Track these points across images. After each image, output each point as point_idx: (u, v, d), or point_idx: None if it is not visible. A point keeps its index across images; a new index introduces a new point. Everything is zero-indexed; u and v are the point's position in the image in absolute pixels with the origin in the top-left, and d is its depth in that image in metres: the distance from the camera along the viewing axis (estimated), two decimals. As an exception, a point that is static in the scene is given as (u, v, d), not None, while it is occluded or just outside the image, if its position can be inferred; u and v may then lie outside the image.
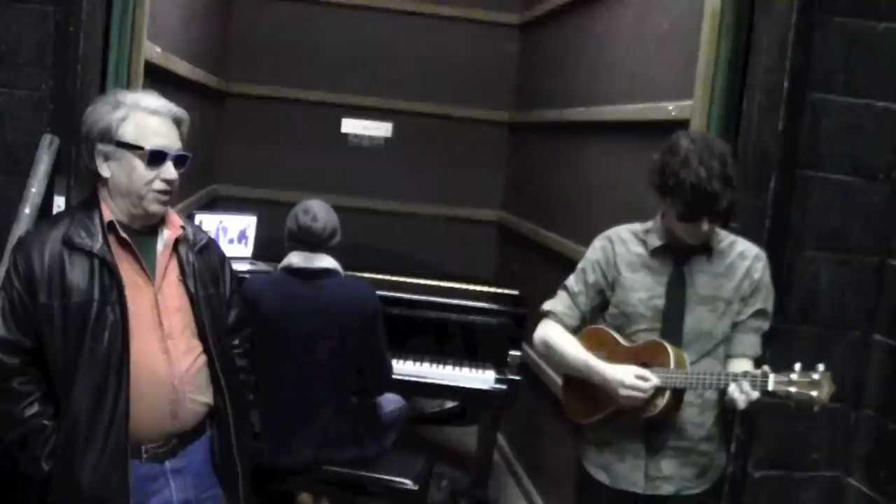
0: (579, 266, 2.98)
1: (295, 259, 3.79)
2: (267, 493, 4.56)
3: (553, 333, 2.95)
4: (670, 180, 2.66)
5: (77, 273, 2.43)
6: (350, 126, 6.36)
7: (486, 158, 6.46)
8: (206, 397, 2.62)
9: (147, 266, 2.54)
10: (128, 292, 2.46)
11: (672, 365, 2.69)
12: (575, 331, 2.95)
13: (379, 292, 3.91)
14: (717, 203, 2.60)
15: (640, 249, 2.86)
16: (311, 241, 3.76)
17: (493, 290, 4.94)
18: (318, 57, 6.25)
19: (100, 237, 2.47)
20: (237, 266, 4.67)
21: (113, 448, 2.43)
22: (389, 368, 4.00)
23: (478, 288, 4.95)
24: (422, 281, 4.96)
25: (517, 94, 6.34)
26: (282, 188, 6.03)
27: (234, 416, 2.66)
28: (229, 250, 4.87)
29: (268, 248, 4.98)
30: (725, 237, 2.85)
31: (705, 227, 2.65)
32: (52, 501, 2.49)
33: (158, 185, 2.50)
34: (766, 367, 2.61)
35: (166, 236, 2.61)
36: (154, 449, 2.54)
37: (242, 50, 6.20)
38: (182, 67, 4.26)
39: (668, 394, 2.70)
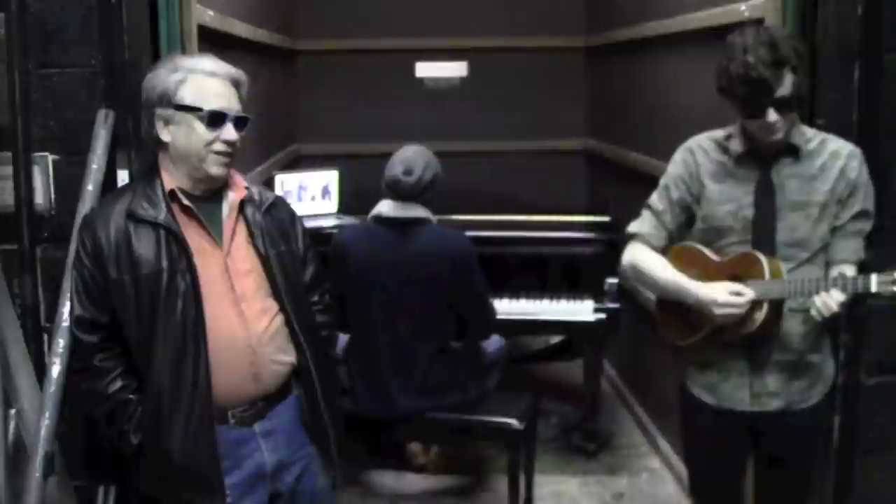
0: (662, 182, 2.84)
1: (384, 208, 3.74)
2: (376, 445, 4.61)
3: (641, 256, 2.83)
4: (723, 79, 2.53)
5: (144, 245, 2.41)
6: (424, 70, 6.30)
7: (565, 86, 6.33)
8: (288, 356, 2.58)
9: (213, 231, 2.50)
10: (196, 259, 2.43)
11: (767, 275, 2.55)
12: (663, 250, 2.82)
13: (469, 233, 3.84)
14: (773, 89, 2.45)
15: (722, 158, 2.71)
16: (404, 193, 3.70)
17: (583, 218, 4.83)
18: (385, 3, 6.19)
19: (163, 207, 2.44)
20: (324, 222, 4.73)
21: (199, 416, 2.42)
22: (492, 312, 3.95)
23: (568, 218, 4.85)
24: (510, 217, 4.88)
25: (589, 17, 6.19)
26: (363, 140, 6.02)
27: (318, 374, 2.62)
28: (313, 207, 4.92)
29: (354, 201, 4.96)
30: (815, 136, 2.67)
31: (773, 118, 2.49)
32: (146, 473, 2.51)
33: (219, 146, 2.45)
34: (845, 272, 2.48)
35: (231, 199, 2.56)
36: (240, 413, 2.52)
37: (308, 6, 6.18)
38: (242, 29, 4.22)
39: (766, 306, 2.56)
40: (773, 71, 2.44)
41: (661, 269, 2.77)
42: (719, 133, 2.75)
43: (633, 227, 2.88)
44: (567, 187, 6.20)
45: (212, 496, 2.47)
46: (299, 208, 4.76)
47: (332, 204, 5.07)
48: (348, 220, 4.78)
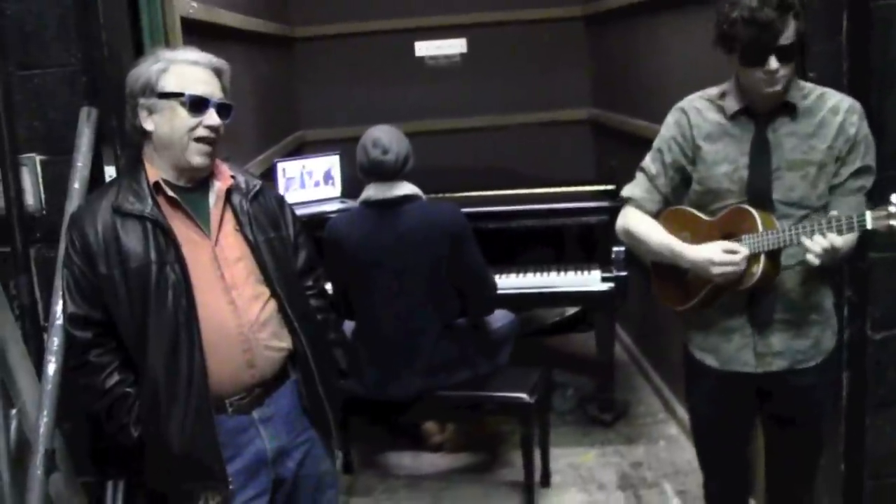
0: (655, 145, 2.80)
1: (372, 192, 3.73)
2: (391, 427, 4.63)
3: (634, 221, 2.80)
4: (725, 25, 2.47)
5: (131, 239, 2.41)
6: (423, 48, 6.28)
7: (566, 56, 6.30)
8: (283, 342, 2.58)
9: (201, 221, 2.50)
10: (185, 250, 2.43)
11: (760, 228, 2.51)
12: (658, 215, 2.79)
13: (473, 209, 3.83)
14: (779, 34, 2.41)
15: (717, 117, 2.66)
16: (386, 173, 3.69)
17: (588, 188, 4.81)
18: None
19: (149, 199, 2.44)
20: (327, 207, 4.72)
21: (196, 406, 2.42)
22: (492, 286, 3.91)
23: (572, 189, 4.84)
24: (514, 191, 4.89)
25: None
26: (366, 123, 5.94)
27: (314, 357, 2.61)
28: (317, 193, 4.91)
29: (358, 185, 4.96)
30: (812, 91, 2.62)
31: (774, 65, 2.43)
32: (147, 464, 2.52)
33: (201, 131, 2.45)
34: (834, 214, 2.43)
35: (217, 188, 2.56)
36: (238, 401, 2.52)
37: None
38: (231, 18, 4.21)
39: (762, 258, 2.52)
40: (780, 14, 2.40)
41: (654, 233, 2.74)
42: (713, 91, 2.70)
43: (626, 190, 2.85)
44: (574, 158, 6.19)
45: (214, 485, 2.47)
46: (302, 194, 4.82)
47: (335, 188, 5.06)
48: (352, 203, 4.77)
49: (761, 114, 2.59)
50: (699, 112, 2.70)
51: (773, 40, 2.42)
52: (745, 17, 2.41)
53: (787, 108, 2.58)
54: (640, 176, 2.83)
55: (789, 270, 2.61)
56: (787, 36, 2.42)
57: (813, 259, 2.42)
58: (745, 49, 2.47)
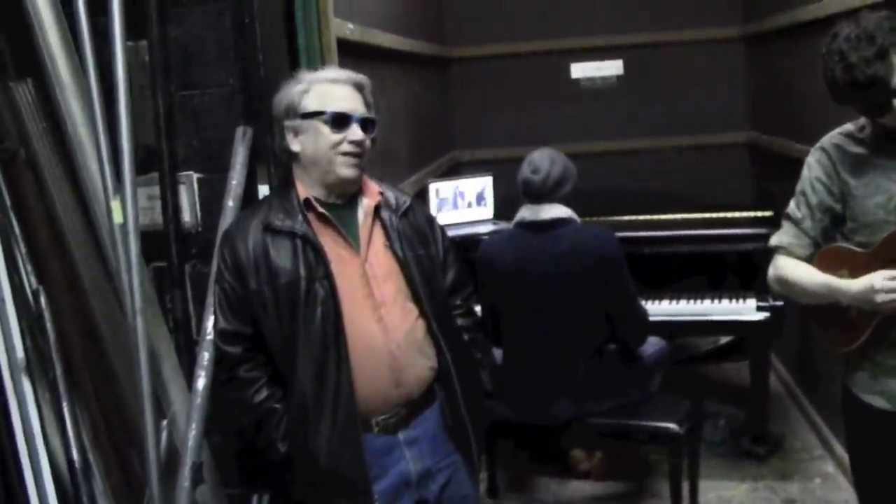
0: (798, 188, 2.68)
1: (524, 213, 3.72)
2: (538, 452, 4.57)
3: (785, 268, 2.67)
4: (835, 90, 2.38)
5: (282, 255, 2.44)
6: (579, 70, 6.24)
7: (724, 78, 6.17)
8: (430, 361, 2.57)
9: (350, 237, 2.52)
10: (334, 266, 2.45)
11: None
12: (809, 259, 2.66)
13: (627, 233, 3.77)
14: (888, 81, 2.28)
15: (860, 150, 2.53)
16: (535, 193, 3.66)
17: (743, 214, 4.68)
18: (536, 5, 6.20)
19: (299, 217, 2.47)
20: (480, 228, 4.72)
21: (343, 423, 2.43)
22: (643, 315, 3.84)
23: (729, 215, 4.71)
24: (669, 216, 4.78)
25: (746, 4, 6.01)
26: (520, 144, 5.96)
27: (458, 378, 2.59)
28: (469, 214, 4.91)
29: (511, 206, 4.95)
30: None
31: None
32: (294, 478, 2.54)
33: (346, 147, 2.46)
34: None
35: (366, 205, 2.57)
36: (384, 421, 2.52)
37: (460, 13, 6.26)
38: (387, 39, 4.26)
39: None
40: (880, 64, 2.28)
41: (807, 277, 2.61)
42: (850, 127, 2.59)
43: (774, 239, 2.74)
44: (731, 182, 6.02)
45: (360, 500, 2.48)
46: (455, 216, 4.84)
47: (487, 210, 5.05)
48: (504, 225, 4.76)
49: None
50: (840, 148, 2.58)
51: (886, 90, 2.30)
52: (848, 81, 2.31)
53: None
54: (785, 223, 2.72)
55: None
56: None
57: None
58: (867, 109, 2.39)
